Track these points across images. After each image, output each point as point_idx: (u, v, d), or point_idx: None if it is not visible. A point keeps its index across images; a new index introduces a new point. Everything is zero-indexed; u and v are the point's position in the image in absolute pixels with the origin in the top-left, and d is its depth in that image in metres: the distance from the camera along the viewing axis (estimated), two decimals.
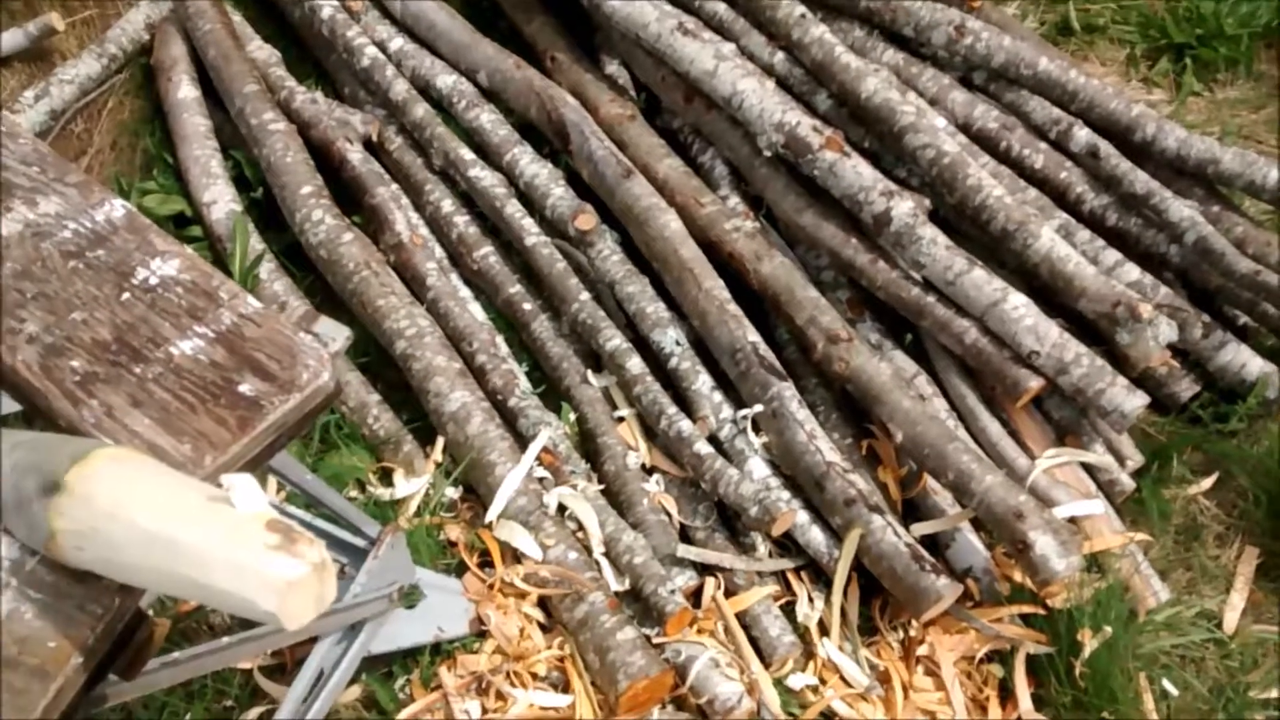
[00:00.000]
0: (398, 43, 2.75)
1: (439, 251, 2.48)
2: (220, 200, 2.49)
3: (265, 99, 2.59)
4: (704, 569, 2.02)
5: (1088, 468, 2.11)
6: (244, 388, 1.21)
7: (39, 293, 1.27)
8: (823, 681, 1.93)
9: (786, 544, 2.06)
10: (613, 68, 2.72)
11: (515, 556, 1.99)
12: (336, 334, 1.33)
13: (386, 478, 2.14)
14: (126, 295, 1.28)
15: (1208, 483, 2.17)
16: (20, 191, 1.37)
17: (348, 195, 2.53)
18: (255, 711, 1.85)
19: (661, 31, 2.47)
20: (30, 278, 1.28)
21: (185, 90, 2.70)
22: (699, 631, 1.92)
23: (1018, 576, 1.97)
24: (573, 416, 2.21)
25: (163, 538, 0.96)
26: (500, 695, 1.86)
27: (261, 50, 2.81)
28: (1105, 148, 2.32)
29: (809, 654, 1.96)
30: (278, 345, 1.25)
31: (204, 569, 0.94)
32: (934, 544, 2.02)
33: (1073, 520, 2.01)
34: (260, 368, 1.23)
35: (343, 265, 2.33)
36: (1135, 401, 2.01)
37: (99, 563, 1.02)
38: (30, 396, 1.22)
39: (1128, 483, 2.12)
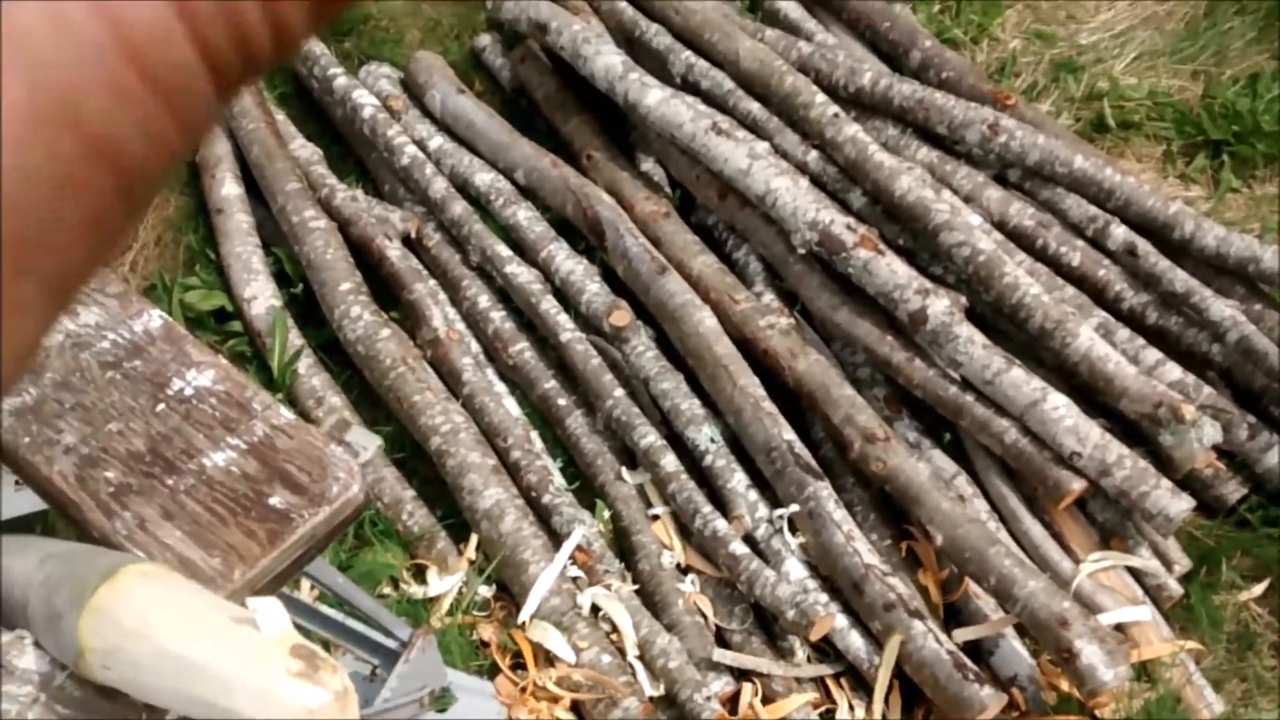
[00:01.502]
0: (437, 141, 2.80)
1: (475, 347, 2.49)
2: (260, 296, 2.53)
3: (306, 196, 2.64)
4: (741, 674, 1.97)
5: (1134, 572, 2.06)
6: (274, 500, 1.21)
7: (77, 403, 1.28)
8: None
9: (826, 648, 2.02)
10: (648, 165, 2.75)
11: (548, 658, 1.96)
12: (368, 443, 1.33)
13: (420, 574, 2.13)
14: (161, 406, 1.29)
15: (1259, 589, 2.11)
16: None
17: (386, 291, 2.56)
18: None
19: (696, 131, 2.50)
20: (69, 388, 1.30)
21: (228, 188, 2.75)
22: None
23: (1064, 685, 1.91)
24: (607, 514, 2.19)
25: (185, 659, 0.95)
26: None
27: (304, 149, 2.87)
28: (1143, 245, 2.30)
29: None
30: (308, 457, 1.25)
31: (226, 693, 0.93)
32: (977, 651, 1.97)
33: (1119, 627, 1.95)
34: (291, 480, 1.23)
35: (379, 361, 2.34)
36: (1180, 505, 1.97)
37: (124, 682, 1.01)
38: (65, 508, 1.23)
39: (1175, 588, 2.06)
